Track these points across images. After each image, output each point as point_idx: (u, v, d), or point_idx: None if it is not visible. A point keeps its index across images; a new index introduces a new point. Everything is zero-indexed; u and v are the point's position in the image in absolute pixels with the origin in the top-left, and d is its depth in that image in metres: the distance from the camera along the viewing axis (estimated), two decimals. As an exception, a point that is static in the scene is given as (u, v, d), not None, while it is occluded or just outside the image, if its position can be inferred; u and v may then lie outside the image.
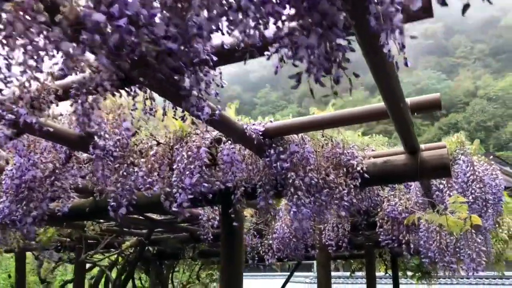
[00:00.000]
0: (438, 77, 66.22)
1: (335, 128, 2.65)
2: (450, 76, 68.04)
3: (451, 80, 66.07)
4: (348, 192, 2.60)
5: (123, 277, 7.26)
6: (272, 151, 2.46)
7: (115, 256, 7.37)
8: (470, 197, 3.24)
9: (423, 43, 69.49)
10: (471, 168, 3.29)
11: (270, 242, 4.13)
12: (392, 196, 3.50)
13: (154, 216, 5.41)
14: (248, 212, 4.58)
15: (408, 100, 2.22)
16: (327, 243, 4.37)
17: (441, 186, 3.37)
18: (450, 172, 2.50)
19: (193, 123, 1.74)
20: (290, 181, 2.38)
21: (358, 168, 2.65)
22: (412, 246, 3.25)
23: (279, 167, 2.43)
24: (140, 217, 5.20)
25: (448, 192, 3.34)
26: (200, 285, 11.70)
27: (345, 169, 2.67)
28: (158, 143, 2.34)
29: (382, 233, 3.45)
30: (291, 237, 3.92)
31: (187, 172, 2.14)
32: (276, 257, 4.08)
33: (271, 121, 2.51)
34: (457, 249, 2.94)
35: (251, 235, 4.55)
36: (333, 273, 21.41)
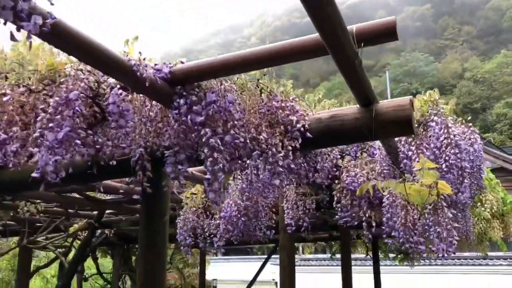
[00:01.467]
0: (426, 59, 65.89)
1: (266, 68, 2.07)
2: (438, 58, 67.80)
3: (439, 62, 65.81)
4: (286, 155, 2.04)
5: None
6: (181, 101, 1.88)
7: (71, 240, 6.82)
8: (444, 166, 2.70)
9: (411, 25, 68.96)
10: (445, 131, 2.75)
11: (218, 222, 3.58)
12: (352, 166, 2.96)
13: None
14: (197, 188, 4.02)
15: (353, 27, 1.65)
16: (286, 222, 3.85)
17: (410, 153, 2.84)
18: (412, 127, 1.95)
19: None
20: (205, 139, 1.82)
21: (299, 126, 2.09)
22: (374, 225, 2.72)
23: (191, 121, 1.86)
24: (84, 197, 4.62)
25: (418, 160, 2.80)
26: (174, 270, 11.20)
27: (282, 127, 2.10)
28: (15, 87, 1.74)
29: (340, 210, 2.91)
30: (239, 215, 3.37)
31: (53, 125, 1.56)
32: (224, 239, 3.53)
33: (182, 62, 1.92)
34: (426, 227, 2.42)
35: (200, 215, 3.99)
36: (317, 255, 20.99)
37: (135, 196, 2.43)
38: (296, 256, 24.46)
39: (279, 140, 2.06)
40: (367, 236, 2.86)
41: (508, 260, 18.41)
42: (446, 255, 2.23)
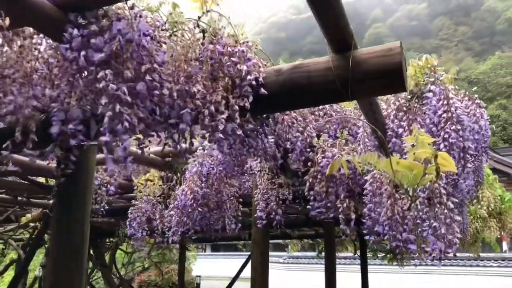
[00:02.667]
0: (421, 59, 65.44)
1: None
2: (433, 58, 67.39)
3: (433, 62, 65.39)
4: (230, 117, 1.47)
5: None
6: (75, 32, 1.31)
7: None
8: (442, 146, 2.15)
9: (407, 25, 68.55)
10: (445, 103, 2.20)
11: (172, 213, 3.01)
12: (329, 146, 2.40)
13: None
14: (154, 175, 3.44)
15: None
16: (256, 215, 3.29)
17: (400, 131, 2.28)
18: (404, 81, 1.39)
19: None
20: (103, 85, 1.25)
21: (250, 78, 1.52)
22: (353, 217, 2.16)
23: (85, 60, 1.29)
24: (29, 182, 4.03)
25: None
26: (152, 264, 10.61)
27: (228, 80, 1.53)
28: None
29: (312, 198, 2.35)
30: (195, 205, 2.81)
31: None
32: (179, 233, 2.97)
33: (79, -22, 1.35)
34: (418, 221, 1.87)
35: (157, 204, 3.42)
36: (306, 253, 20.48)
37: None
38: (284, 253, 24.00)
39: (222, 97, 1.49)
40: (352, 233, 2.32)
41: (499, 261, 18.02)
42: (443, 256, 1.69)
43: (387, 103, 2.44)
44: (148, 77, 1.33)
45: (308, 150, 2.44)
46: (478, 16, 72.20)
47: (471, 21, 72.33)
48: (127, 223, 3.37)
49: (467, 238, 3.95)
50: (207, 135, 1.50)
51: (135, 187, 3.41)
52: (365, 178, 2.09)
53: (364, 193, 2.11)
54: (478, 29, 70.75)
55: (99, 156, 3.33)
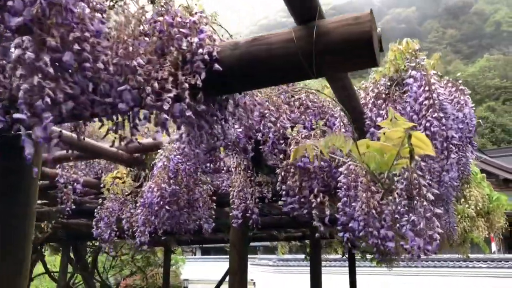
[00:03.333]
0: (410, 61, 65.72)
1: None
2: (422, 61, 67.72)
3: (422, 64, 65.71)
4: (178, 96, 1.29)
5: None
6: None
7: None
8: (424, 135, 1.99)
9: (396, 28, 68.86)
10: (426, 90, 2.04)
11: (138, 211, 2.80)
12: (303, 137, 2.22)
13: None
14: (122, 171, 3.24)
15: None
16: (231, 214, 3.10)
17: (379, 120, 2.12)
18: (374, 52, 1.22)
19: None
20: (18, 53, 1.06)
21: (202, 52, 1.34)
22: (328, 213, 1.98)
23: (3, 25, 1.10)
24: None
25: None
26: (136, 268, 10.34)
27: (177, 54, 1.35)
28: None
29: (285, 193, 2.17)
30: (162, 203, 2.61)
31: None
32: (146, 233, 2.76)
33: None
34: (396, 216, 1.70)
35: (128, 203, 3.22)
36: (296, 256, 20.28)
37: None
38: (274, 256, 23.78)
39: (169, 73, 1.30)
40: (326, 231, 2.14)
41: (488, 262, 17.98)
42: (423, 255, 1.52)
43: (365, 91, 2.27)
44: (77, 47, 1.14)
45: (282, 142, 2.26)
46: (467, 19, 72.74)
47: (460, 24, 72.85)
48: (93, 223, 3.16)
49: (454, 238, 3.78)
50: (153, 119, 1.31)
51: (102, 185, 3.20)
52: (340, 170, 1.92)
53: (338, 186, 1.93)
54: (467, 32, 71.27)
55: (60, 152, 3.12)
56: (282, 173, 2.18)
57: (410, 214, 1.55)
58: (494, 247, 24.76)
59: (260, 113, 2.29)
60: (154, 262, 10.07)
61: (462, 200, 5.85)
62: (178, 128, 1.39)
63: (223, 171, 3.62)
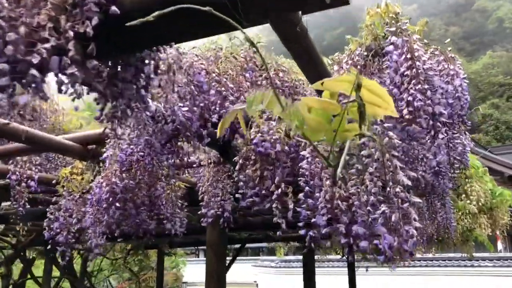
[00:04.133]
0: (412, 59, 65.29)
1: None
2: (424, 58, 67.32)
3: (425, 62, 65.29)
4: (60, 48, 0.96)
5: None
6: None
7: None
8: (406, 111, 1.65)
9: (398, 26, 68.25)
10: (409, 57, 1.70)
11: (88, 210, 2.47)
12: (264, 119, 1.88)
13: None
14: (78, 166, 2.90)
15: None
16: (199, 212, 2.78)
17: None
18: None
19: None
20: None
21: (95, -9, 1.01)
22: (291, 206, 1.64)
23: None
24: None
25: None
26: (128, 272, 10.00)
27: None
28: None
29: (244, 184, 1.83)
30: (113, 200, 2.27)
31: None
32: (99, 234, 2.43)
33: None
34: (368, 209, 1.36)
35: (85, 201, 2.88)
36: (298, 257, 19.96)
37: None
38: (276, 257, 23.46)
39: (49, 18, 0.97)
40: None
41: (494, 261, 17.55)
42: (398, 256, 1.18)
43: (339, 65, 1.93)
44: None
45: (237, 125, 1.93)
46: (469, 16, 72.20)
47: (462, 22, 72.31)
48: (45, 224, 2.83)
49: (451, 235, 3.43)
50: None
51: (53, 181, 2.87)
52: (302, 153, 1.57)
53: (300, 173, 1.59)
54: (469, 29, 70.73)
55: (13, 145, 2.80)
56: (241, 161, 1.85)
57: (382, 205, 1.21)
58: (500, 245, 24.32)
59: (217, 92, 1.96)
60: (147, 265, 9.74)
61: (463, 195, 5.49)
62: (72, 94, 1.05)
63: (195, 166, 3.29)
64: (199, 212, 2.76)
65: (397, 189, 1.18)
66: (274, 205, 1.72)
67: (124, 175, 2.32)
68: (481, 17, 70.98)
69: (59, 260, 7.85)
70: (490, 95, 59.60)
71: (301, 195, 1.51)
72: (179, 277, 22.42)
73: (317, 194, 1.46)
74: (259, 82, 2.20)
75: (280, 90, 2.19)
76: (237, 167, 1.85)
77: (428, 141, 1.66)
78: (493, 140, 52.95)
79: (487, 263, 17.59)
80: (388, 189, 1.21)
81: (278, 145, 1.72)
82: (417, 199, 1.19)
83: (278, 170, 1.77)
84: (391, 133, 1.30)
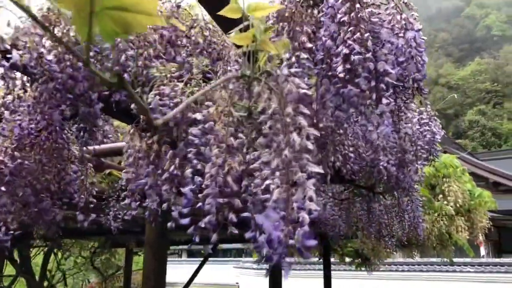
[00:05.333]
0: (401, 64, 65.54)
1: None
2: (413, 63, 67.59)
3: (414, 67, 65.57)
4: None
5: None
6: None
7: None
8: (340, 68, 1.26)
9: (388, 30, 68.31)
10: (348, 2, 1.30)
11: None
12: (170, 80, 1.46)
13: None
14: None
15: None
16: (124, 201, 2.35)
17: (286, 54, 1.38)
18: None
19: None
20: None
21: None
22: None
23: None
24: None
25: (295, 60, 1.36)
26: (95, 273, 9.50)
27: None
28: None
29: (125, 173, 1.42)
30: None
31: None
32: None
33: None
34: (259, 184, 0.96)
35: None
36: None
37: None
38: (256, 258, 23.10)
39: None
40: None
41: (476, 267, 17.35)
42: (289, 255, 0.77)
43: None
44: None
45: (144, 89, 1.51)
46: (458, 22, 72.62)
47: (451, 28, 72.71)
48: None
49: (420, 237, 3.04)
50: None
51: None
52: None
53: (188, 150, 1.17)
54: (458, 35, 71.15)
55: None
56: (133, 132, 1.43)
57: (268, 182, 0.81)
58: (482, 251, 24.20)
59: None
60: (113, 264, 9.25)
61: (440, 196, 5.15)
62: None
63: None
64: (122, 203, 2.35)
65: (287, 152, 0.78)
66: (165, 190, 1.31)
67: (18, 153, 1.89)
68: (470, 24, 71.53)
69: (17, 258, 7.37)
70: (477, 101, 59.93)
71: (188, 172, 1.11)
72: (159, 278, 21.84)
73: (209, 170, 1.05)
74: (179, 42, 1.78)
75: (206, 52, 1.78)
76: (127, 139, 1.44)
77: (370, 109, 1.26)
78: (479, 146, 53.22)
79: (469, 269, 17.38)
80: (283, 154, 0.80)
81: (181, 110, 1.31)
82: (317, 169, 0.78)
83: (181, 143, 1.36)
84: (297, 80, 0.91)
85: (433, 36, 72.36)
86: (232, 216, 1.00)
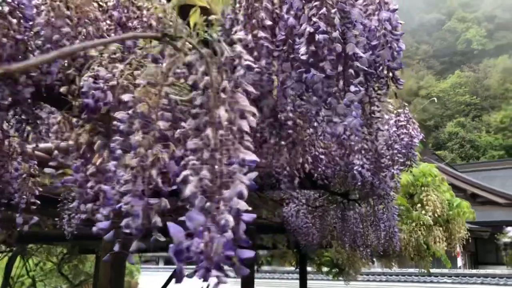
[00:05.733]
0: (384, 74, 66.27)
1: None
2: (395, 75, 68.39)
3: (396, 78, 66.30)
4: None
5: None
6: None
7: None
8: (303, 50, 1.07)
9: (371, 41, 68.91)
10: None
11: None
12: (110, 60, 1.26)
13: None
14: None
15: None
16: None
17: (238, 28, 1.19)
18: None
19: None
20: None
21: None
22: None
23: None
24: None
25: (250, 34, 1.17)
26: (61, 279, 9.11)
27: None
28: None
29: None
30: None
31: None
32: None
33: None
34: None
35: None
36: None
37: None
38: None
39: None
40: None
41: (453, 277, 17.36)
42: (211, 270, 0.58)
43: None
44: None
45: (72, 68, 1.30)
46: (439, 36, 73.78)
47: (433, 40, 73.85)
48: None
49: (396, 247, 2.87)
50: None
51: None
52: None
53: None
54: (439, 48, 72.25)
55: None
56: (59, 125, 1.22)
57: (189, 172, 0.61)
58: (459, 262, 24.34)
59: (47, 22, 1.33)
60: (81, 271, 8.88)
61: (419, 205, 5.01)
62: None
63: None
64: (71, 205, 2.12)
65: (210, 132, 0.58)
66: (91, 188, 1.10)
67: None
68: (451, 37, 72.70)
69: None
70: (457, 113, 60.79)
71: (111, 165, 0.90)
72: (133, 285, 21.50)
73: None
74: (130, 24, 1.58)
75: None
76: (54, 129, 1.23)
77: (336, 97, 1.08)
78: (458, 158, 53.90)
79: (446, 279, 17.38)
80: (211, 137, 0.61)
81: (109, 95, 1.11)
82: (250, 156, 0.59)
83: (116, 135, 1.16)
84: (239, 48, 0.71)
85: (415, 48, 73.40)
86: (157, 220, 0.80)
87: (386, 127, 2.52)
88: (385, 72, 1.24)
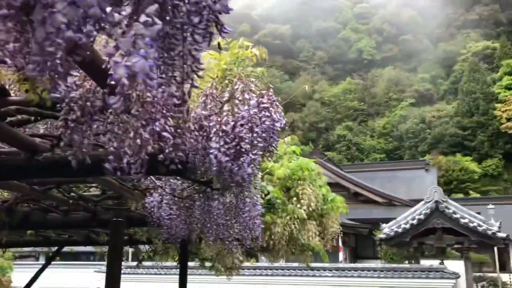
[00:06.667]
0: (281, 77, 68.33)
1: None
2: (292, 77, 70.89)
3: (292, 81, 68.84)
4: None
5: None
6: None
7: None
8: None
9: (271, 43, 70.57)
10: None
11: None
12: None
13: None
14: None
15: None
16: None
17: None
18: None
19: None
20: None
21: None
22: None
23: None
24: None
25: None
26: None
27: None
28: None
29: None
30: None
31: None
32: None
33: None
34: None
35: None
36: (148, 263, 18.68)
37: None
38: (123, 263, 21.73)
39: None
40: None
41: (333, 271, 18.27)
42: None
43: None
44: None
45: None
46: (334, 43, 77.81)
47: (328, 47, 77.76)
48: None
49: (258, 237, 2.69)
50: None
51: None
52: None
53: None
54: (334, 55, 76.29)
55: None
56: None
57: None
58: (341, 256, 25.84)
59: None
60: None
61: (294, 198, 4.97)
62: None
63: None
64: None
65: None
66: None
67: None
68: (345, 45, 77.09)
69: None
70: (346, 117, 64.74)
71: None
72: (5, 284, 19.52)
73: None
74: None
75: None
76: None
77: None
78: (344, 159, 57.46)
79: (327, 273, 18.22)
80: None
81: None
82: None
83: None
84: None
85: (311, 53, 76.80)
86: None
87: (246, 107, 2.30)
88: (207, 14, 0.97)
